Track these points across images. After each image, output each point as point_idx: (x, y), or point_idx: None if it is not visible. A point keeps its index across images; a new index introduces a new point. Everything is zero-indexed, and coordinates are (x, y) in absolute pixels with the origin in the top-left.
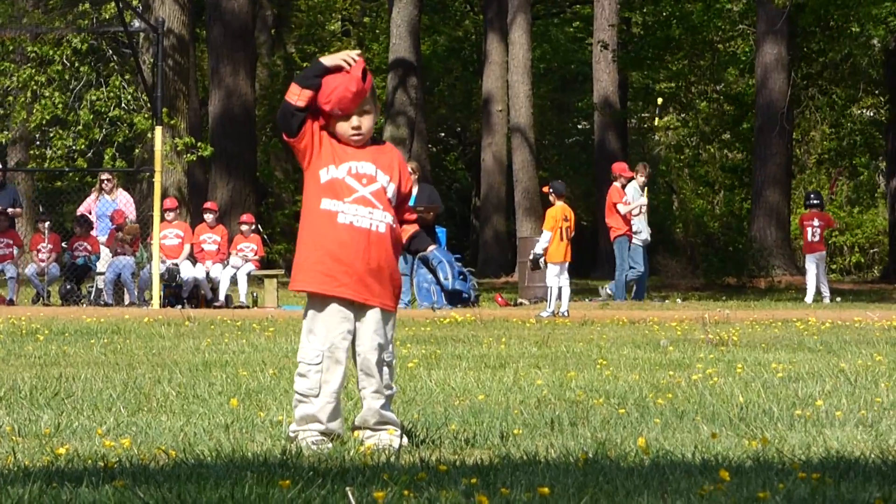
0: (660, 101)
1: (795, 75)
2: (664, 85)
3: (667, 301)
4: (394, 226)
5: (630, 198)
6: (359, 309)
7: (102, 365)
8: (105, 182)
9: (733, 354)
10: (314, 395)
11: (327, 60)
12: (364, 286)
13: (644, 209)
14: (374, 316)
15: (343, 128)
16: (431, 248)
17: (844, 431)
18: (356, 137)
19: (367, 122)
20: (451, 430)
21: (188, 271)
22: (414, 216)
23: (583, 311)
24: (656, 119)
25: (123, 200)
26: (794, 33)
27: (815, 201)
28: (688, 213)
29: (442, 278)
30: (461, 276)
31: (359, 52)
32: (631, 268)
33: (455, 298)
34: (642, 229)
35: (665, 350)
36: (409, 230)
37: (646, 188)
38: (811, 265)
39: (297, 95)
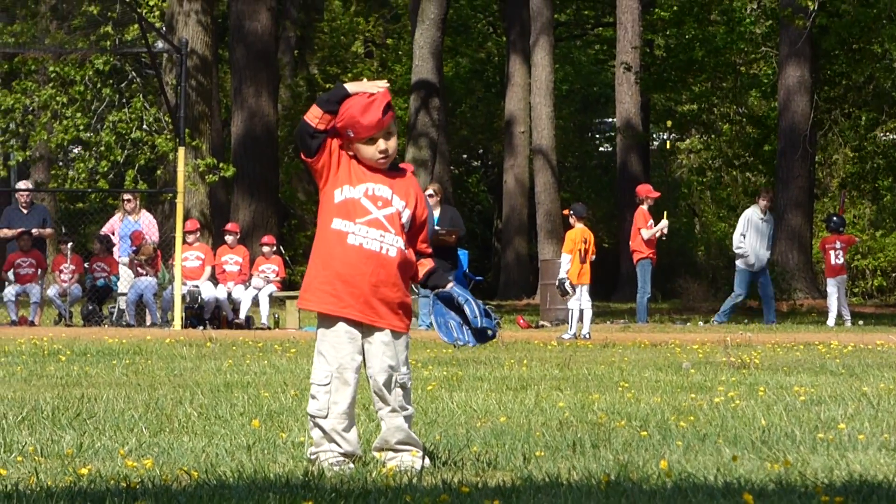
0: (669, 122)
1: (818, 98)
2: (687, 107)
3: (688, 324)
4: (405, 251)
5: (745, 220)
6: (367, 330)
7: (124, 385)
8: (126, 202)
9: (755, 377)
10: (323, 417)
11: (352, 87)
12: (370, 308)
13: (768, 232)
14: (382, 337)
15: (369, 151)
16: (450, 285)
17: (867, 455)
18: (382, 160)
19: (392, 145)
20: (473, 451)
21: (209, 292)
22: (430, 249)
23: (604, 334)
24: (668, 142)
25: (146, 221)
26: (817, 56)
27: (836, 224)
28: (710, 236)
29: (471, 317)
30: (486, 314)
31: (386, 82)
32: (738, 294)
33: (482, 336)
34: (749, 253)
35: (687, 373)
36: (426, 265)
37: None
38: (832, 288)
39: (317, 118)
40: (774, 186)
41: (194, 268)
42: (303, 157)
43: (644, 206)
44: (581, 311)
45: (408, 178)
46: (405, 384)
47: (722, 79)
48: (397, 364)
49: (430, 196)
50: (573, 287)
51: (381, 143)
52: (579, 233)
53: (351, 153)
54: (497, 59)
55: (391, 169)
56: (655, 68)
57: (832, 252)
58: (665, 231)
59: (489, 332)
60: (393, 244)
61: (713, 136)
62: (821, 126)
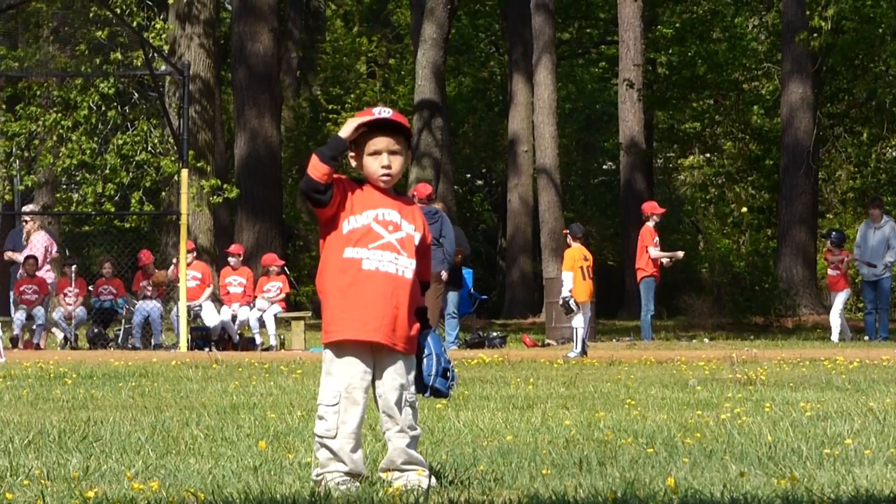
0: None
1: (820, 114)
2: (689, 125)
3: (694, 340)
4: (416, 272)
5: (860, 232)
6: (379, 351)
7: (130, 408)
8: (24, 224)
9: (761, 393)
10: (331, 437)
11: (345, 131)
12: (392, 330)
13: (878, 242)
14: (396, 358)
15: (373, 166)
16: (426, 331)
17: (874, 470)
18: (385, 177)
19: (396, 164)
20: (479, 470)
21: (214, 316)
22: (428, 278)
23: (610, 352)
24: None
25: (34, 241)
26: (819, 72)
27: (835, 240)
28: (714, 252)
29: (425, 374)
30: (444, 372)
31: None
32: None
33: (434, 392)
34: (860, 263)
35: (693, 389)
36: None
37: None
38: (834, 303)
39: (325, 174)
40: (778, 202)
41: (191, 287)
42: (314, 209)
43: (650, 224)
44: (577, 330)
45: (411, 203)
46: (412, 403)
47: (724, 96)
48: (407, 383)
49: (436, 214)
50: (577, 305)
51: (385, 158)
52: (578, 251)
53: (358, 174)
54: (499, 78)
55: (397, 195)
56: (658, 86)
57: (829, 266)
58: (672, 260)
59: (441, 393)
60: (408, 266)
61: (716, 153)
62: (823, 142)
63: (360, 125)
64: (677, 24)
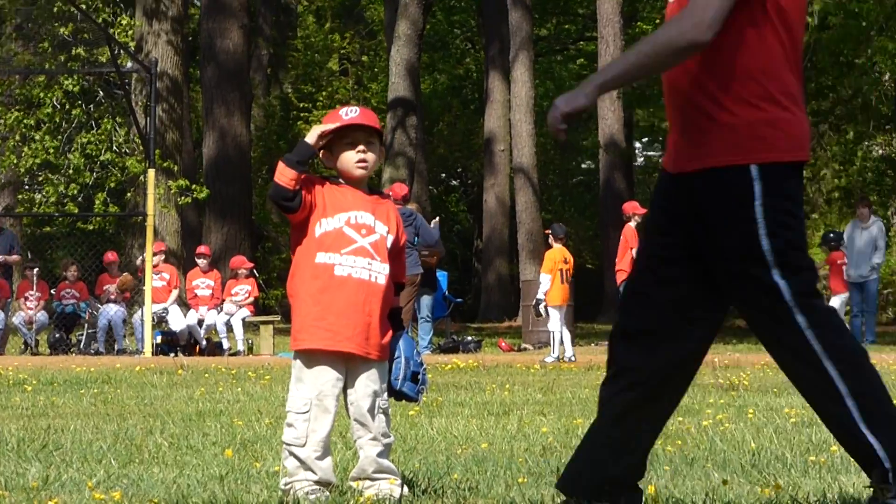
0: None
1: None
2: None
3: None
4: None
5: (847, 237)
6: (352, 359)
7: (92, 416)
8: None
9: (744, 399)
10: (300, 445)
11: (311, 137)
12: (365, 339)
13: (864, 243)
14: (369, 366)
15: (348, 157)
16: (398, 333)
17: (860, 477)
18: (361, 164)
19: (371, 156)
20: (453, 479)
21: (181, 320)
22: (404, 279)
23: (588, 357)
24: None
25: None
26: (805, 69)
27: (832, 241)
28: None
29: (392, 377)
30: (413, 376)
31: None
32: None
33: (399, 396)
34: (849, 264)
35: None
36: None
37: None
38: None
39: (292, 180)
40: None
41: (158, 288)
42: (285, 214)
43: (632, 224)
44: (562, 334)
45: (386, 202)
46: (386, 410)
47: None
48: (381, 390)
49: (411, 216)
50: (547, 310)
51: (361, 147)
52: (559, 253)
53: (330, 171)
54: (476, 75)
55: (371, 193)
56: (638, 83)
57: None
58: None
59: (409, 396)
60: (381, 272)
61: None
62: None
63: (325, 133)
64: (657, 21)
